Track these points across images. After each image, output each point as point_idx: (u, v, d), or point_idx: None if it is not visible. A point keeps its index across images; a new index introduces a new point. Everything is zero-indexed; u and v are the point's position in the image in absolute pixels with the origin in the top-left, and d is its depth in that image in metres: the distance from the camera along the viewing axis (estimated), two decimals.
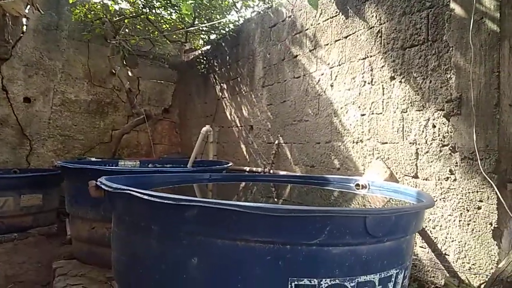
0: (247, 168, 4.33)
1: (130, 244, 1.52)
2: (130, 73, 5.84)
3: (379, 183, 2.36)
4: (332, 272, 1.28)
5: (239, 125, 4.80)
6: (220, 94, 5.34)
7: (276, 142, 3.89)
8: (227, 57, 5.17)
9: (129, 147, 6.25)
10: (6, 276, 3.13)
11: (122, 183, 1.58)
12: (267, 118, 4.12)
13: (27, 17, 5.22)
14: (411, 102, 2.42)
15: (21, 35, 5.40)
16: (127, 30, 5.77)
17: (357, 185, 2.42)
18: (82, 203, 3.08)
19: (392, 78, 2.57)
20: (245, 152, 4.62)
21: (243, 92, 4.69)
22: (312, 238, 1.24)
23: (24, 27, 5.46)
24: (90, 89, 5.95)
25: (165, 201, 1.28)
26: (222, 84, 5.29)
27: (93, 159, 5.01)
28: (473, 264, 2.01)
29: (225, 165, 3.53)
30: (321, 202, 2.51)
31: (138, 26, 5.89)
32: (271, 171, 3.82)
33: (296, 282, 1.27)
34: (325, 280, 1.28)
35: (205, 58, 5.79)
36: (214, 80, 5.56)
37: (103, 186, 1.57)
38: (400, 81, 2.50)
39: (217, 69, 5.48)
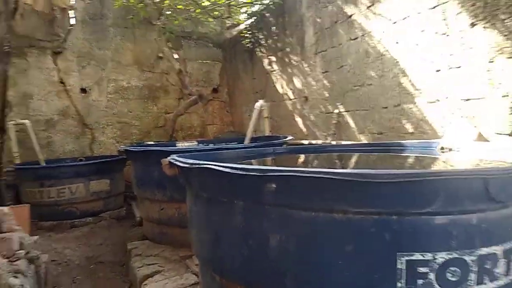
0: (306, 142, 4.18)
1: (211, 221, 1.45)
2: (176, 56, 5.82)
3: (470, 144, 2.12)
4: (448, 244, 1.12)
5: (292, 97, 4.62)
6: (269, 67, 5.16)
7: (336, 111, 3.68)
8: (273, 28, 4.95)
9: (183, 129, 6.31)
10: (87, 257, 3.28)
11: (194, 160, 1.51)
12: (323, 87, 3.91)
13: (74, 8, 5.31)
14: (499, 50, 2.12)
15: (71, 27, 5.52)
16: (168, 12, 5.72)
17: (442, 148, 2.19)
18: (149, 185, 3.11)
19: (473, 24, 2.26)
20: (301, 125, 4.45)
21: (294, 63, 4.48)
22: (424, 206, 1.08)
23: (73, 19, 5.56)
24: (140, 74, 6.02)
25: (250, 173, 1.17)
26: (270, 57, 5.11)
27: (151, 143, 5.10)
28: None
29: (285, 139, 3.40)
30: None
31: (179, 6, 5.82)
32: (333, 142, 3.64)
33: (406, 258, 1.11)
34: (441, 254, 1.11)
35: (249, 32, 5.61)
36: (261, 54, 5.39)
37: (177, 163, 1.50)
38: (484, 27, 2.19)
39: (263, 42, 5.29)
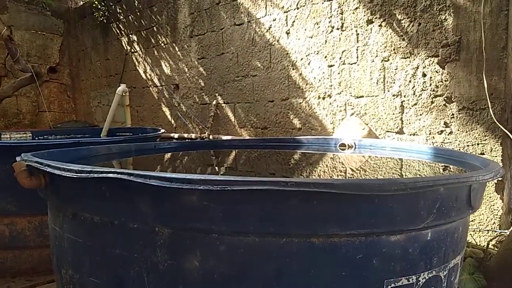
0: (176, 135, 3.72)
1: (111, 257, 0.93)
2: None
3: (369, 141, 2.09)
4: (430, 262, 0.96)
5: (158, 84, 4.07)
6: (129, 48, 4.45)
7: (214, 102, 3.35)
8: (136, 2, 4.27)
9: (6, 116, 4.93)
10: None
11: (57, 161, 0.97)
12: (199, 75, 3.52)
13: None
14: (394, 49, 2.16)
15: None
16: None
17: (342, 145, 2.11)
18: None
19: (370, 21, 2.26)
20: (169, 116, 3.96)
21: (162, 45, 3.93)
22: (421, 221, 0.87)
23: None
24: None
25: (197, 187, 0.75)
26: (130, 36, 4.40)
27: None
28: (471, 220, 1.91)
29: (155, 132, 2.90)
30: (280, 168, 2.15)
31: None
32: (211, 137, 3.30)
33: (393, 285, 0.90)
34: (423, 275, 0.95)
35: (103, 4, 4.73)
36: (118, 31, 4.61)
37: (47, 169, 0.91)
38: (380, 25, 2.22)
39: (121, 17, 4.53)
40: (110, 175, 0.79)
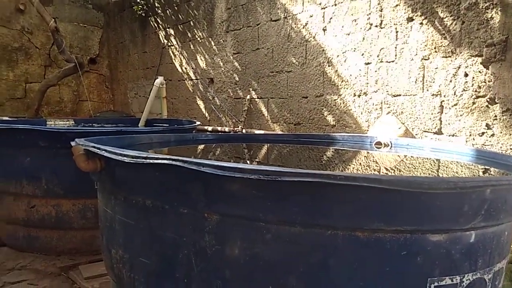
0: (209, 128, 3.79)
1: (158, 241, 0.99)
2: None
3: (406, 140, 2.07)
4: (475, 264, 0.95)
5: (193, 77, 4.15)
6: (166, 41, 4.56)
7: (248, 97, 3.39)
8: None
9: (50, 104, 5.18)
10: None
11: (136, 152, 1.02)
12: (234, 69, 3.57)
13: None
14: (435, 48, 2.12)
15: None
16: None
17: (378, 143, 2.10)
18: (13, 175, 2.31)
19: (410, 19, 2.23)
20: (203, 110, 4.03)
21: (199, 39, 4.01)
22: (468, 221, 0.87)
23: None
24: None
25: (248, 176, 0.78)
26: (168, 29, 4.50)
27: (5, 118, 3.99)
28: None
29: (191, 124, 2.97)
30: (313, 164, 2.15)
31: None
32: (244, 131, 3.35)
33: (436, 284, 0.90)
34: (467, 276, 0.94)
35: None
36: (156, 25, 4.72)
37: (103, 154, 0.97)
38: (421, 23, 2.18)
39: (159, 11, 4.64)
40: (165, 161, 0.84)
